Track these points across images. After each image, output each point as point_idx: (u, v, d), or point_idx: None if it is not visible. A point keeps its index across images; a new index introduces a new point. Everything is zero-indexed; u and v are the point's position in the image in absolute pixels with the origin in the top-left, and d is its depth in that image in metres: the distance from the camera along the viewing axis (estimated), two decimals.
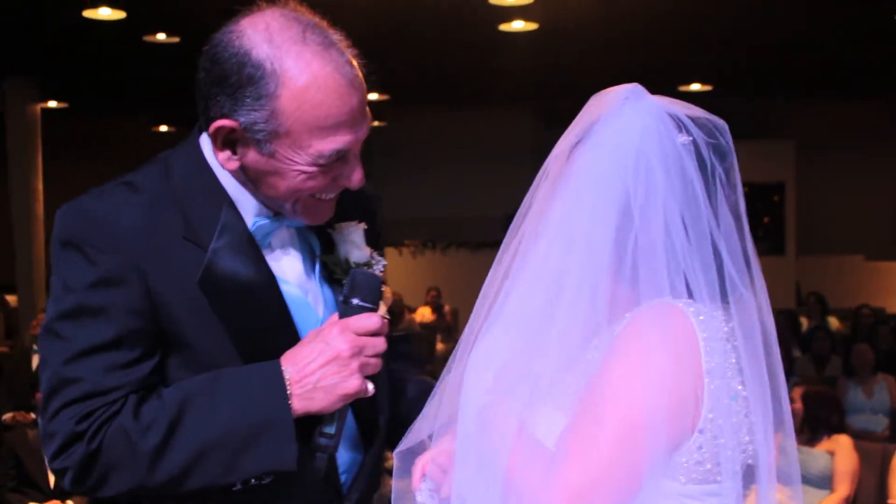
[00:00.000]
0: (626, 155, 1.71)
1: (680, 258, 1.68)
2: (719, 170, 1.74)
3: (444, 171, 17.92)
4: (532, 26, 10.54)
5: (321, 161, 1.87)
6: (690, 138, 1.73)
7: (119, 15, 9.82)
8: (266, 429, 1.85)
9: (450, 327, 14.74)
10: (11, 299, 14.50)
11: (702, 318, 1.65)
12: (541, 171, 1.80)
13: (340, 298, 1.98)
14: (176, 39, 11.08)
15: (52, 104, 15.33)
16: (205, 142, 1.99)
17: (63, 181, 17.00)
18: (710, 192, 1.72)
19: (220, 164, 1.95)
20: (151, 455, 1.83)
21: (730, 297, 1.70)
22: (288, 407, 1.86)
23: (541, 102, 16.84)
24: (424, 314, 14.56)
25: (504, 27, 10.56)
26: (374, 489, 2.15)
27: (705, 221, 1.70)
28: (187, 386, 1.88)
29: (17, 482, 6.56)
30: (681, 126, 1.74)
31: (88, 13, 9.70)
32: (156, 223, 1.90)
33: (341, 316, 1.94)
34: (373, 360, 1.93)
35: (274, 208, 1.99)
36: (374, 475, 2.13)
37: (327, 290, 2.09)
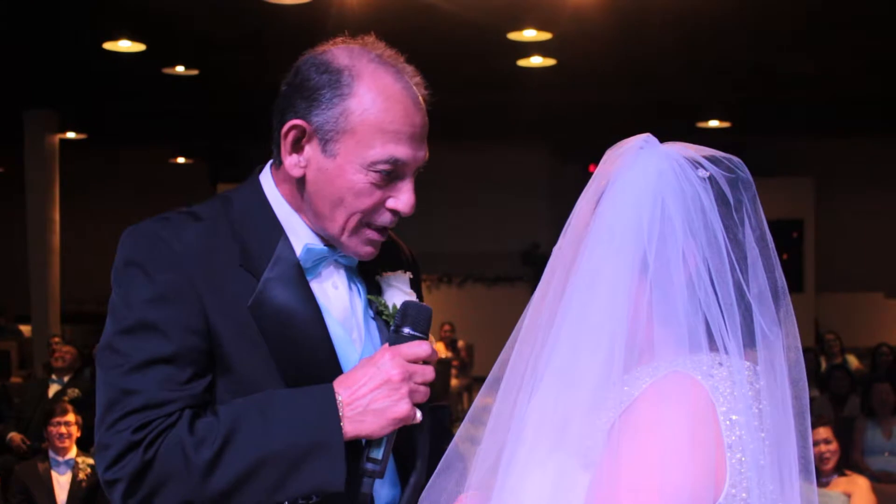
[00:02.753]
0: (642, 203, 1.70)
1: (702, 305, 1.66)
2: (745, 201, 1.72)
3: (460, 206, 17.93)
4: (550, 62, 10.57)
5: (378, 167, 1.97)
6: (708, 173, 1.72)
7: (139, 47, 9.89)
8: (317, 449, 1.89)
9: (464, 362, 14.69)
10: (25, 329, 14.53)
11: (721, 388, 1.62)
12: (566, 226, 1.80)
13: (392, 328, 2.05)
14: (195, 72, 11.15)
15: (71, 135, 15.42)
16: (265, 179, 2.12)
17: (80, 212, 17.13)
18: (734, 227, 1.70)
19: (286, 170, 2.03)
20: (204, 469, 1.86)
21: (757, 341, 1.67)
22: (339, 428, 1.91)
23: (558, 138, 16.87)
24: (439, 349, 14.48)
25: (522, 63, 10.59)
26: None
27: (727, 262, 1.67)
28: (241, 403, 1.93)
29: None
30: (697, 165, 1.73)
31: (108, 45, 9.78)
32: (213, 249, 1.99)
33: (392, 344, 2.00)
34: (422, 388, 1.98)
35: (326, 236, 2.07)
36: None
37: (370, 329, 2.15)
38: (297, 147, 2.01)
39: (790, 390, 1.69)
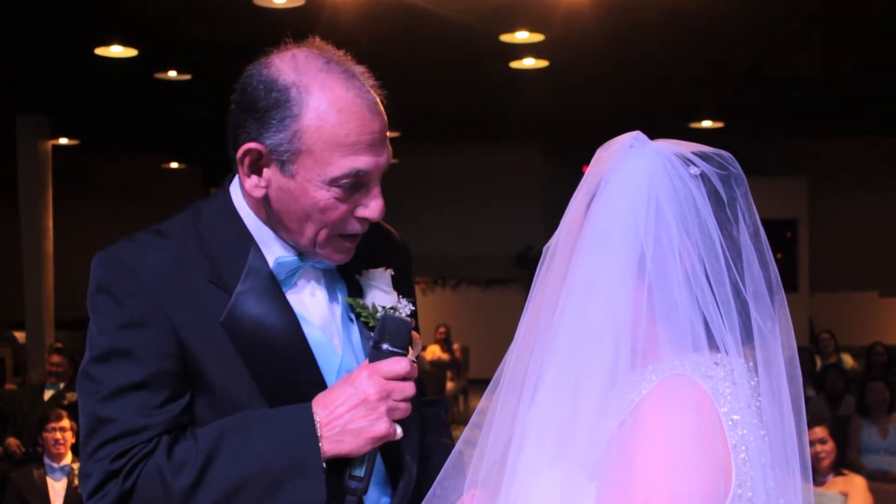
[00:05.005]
0: (637, 203, 1.69)
1: (700, 303, 1.65)
2: (738, 197, 1.72)
3: (455, 208, 17.94)
4: (543, 64, 10.55)
5: (340, 182, 1.92)
6: (700, 170, 1.71)
7: (131, 52, 9.86)
8: (296, 470, 1.89)
9: (459, 364, 14.69)
10: (20, 336, 14.49)
11: (721, 389, 1.62)
12: (558, 228, 1.79)
13: (370, 343, 2.02)
14: (187, 77, 11.13)
15: (64, 141, 15.39)
16: (234, 189, 2.08)
17: (73, 218, 17.10)
18: (728, 224, 1.69)
19: (247, 192, 2.00)
20: (184, 494, 1.86)
21: (755, 338, 1.67)
22: (318, 448, 1.90)
23: (551, 140, 16.87)
24: (434, 352, 14.51)
25: (515, 64, 10.58)
26: None
27: (722, 260, 1.67)
28: (219, 426, 1.92)
29: None
30: (688, 162, 1.72)
31: (100, 51, 9.75)
32: (182, 267, 1.97)
33: (371, 360, 1.98)
34: (402, 405, 1.96)
35: (298, 248, 2.04)
36: None
37: (350, 333, 2.12)
38: (255, 169, 1.97)
39: (787, 386, 1.68)
